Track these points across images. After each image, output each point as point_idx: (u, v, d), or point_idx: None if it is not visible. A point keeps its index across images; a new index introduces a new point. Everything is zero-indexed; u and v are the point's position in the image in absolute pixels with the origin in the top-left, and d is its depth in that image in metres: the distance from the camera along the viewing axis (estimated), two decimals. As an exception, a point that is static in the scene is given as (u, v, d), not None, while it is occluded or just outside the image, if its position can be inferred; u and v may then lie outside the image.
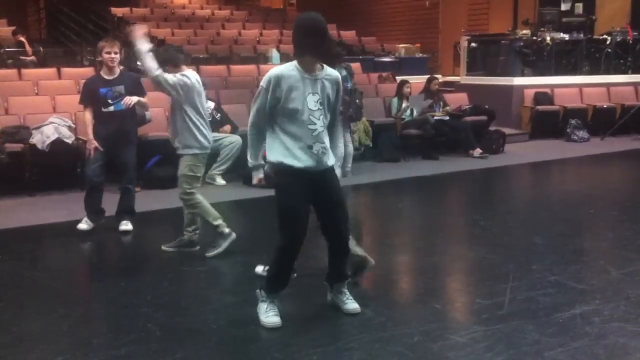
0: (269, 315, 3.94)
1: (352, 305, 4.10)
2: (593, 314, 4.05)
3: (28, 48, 13.11)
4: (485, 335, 3.79)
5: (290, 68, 3.81)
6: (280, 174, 3.82)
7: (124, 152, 6.02)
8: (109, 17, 16.82)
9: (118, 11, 16.78)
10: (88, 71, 11.24)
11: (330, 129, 3.99)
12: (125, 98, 5.81)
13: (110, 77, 5.94)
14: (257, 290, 4.05)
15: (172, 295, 4.57)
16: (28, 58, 12.82)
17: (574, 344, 3.64)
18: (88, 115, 5.97)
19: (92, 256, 5.81)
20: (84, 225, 6.03)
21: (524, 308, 4.16)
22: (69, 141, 7.65)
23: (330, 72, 3.91)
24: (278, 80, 3.76)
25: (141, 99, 5.94)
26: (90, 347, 3.72)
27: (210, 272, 4.95)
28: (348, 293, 4.16)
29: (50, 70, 10.81)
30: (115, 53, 5.92)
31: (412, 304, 4.51)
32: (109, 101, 5.88)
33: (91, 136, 5.93)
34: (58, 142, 7.51)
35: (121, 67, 6.10)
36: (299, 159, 3.81)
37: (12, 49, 13.01)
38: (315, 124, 3.82)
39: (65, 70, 10.86)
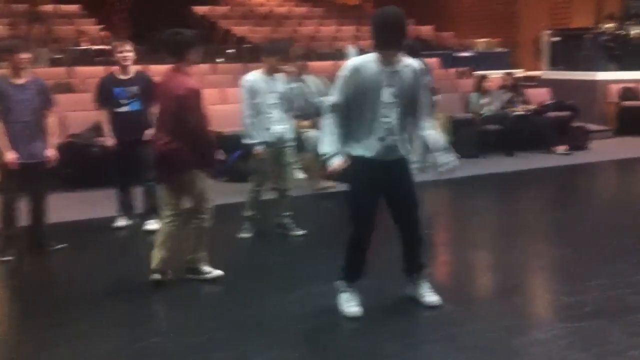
0: (350, 305, 4.02)
1: (431, 297, 4.13)
2: (681, 315, 3.95)
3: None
4: (567, 333, 3.77)
5: (369, 60, 3.85)
6: (351, 164, 3.87)
7: (142, 150, 5.84)
8: (190, 15, 17.29)
9: (199, 10, 17.24)
10: (168, 68, 11.62)
11: (414, 118, 3.98)
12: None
13: (124, 77, 5.91)
14: (336, 282, 4.13)
15: (252, 284, 4.69)
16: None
17: (660, 344, 3.57)
18: (105, 114, 5.99)
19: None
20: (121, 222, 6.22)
21: (609, 307, 4.09)
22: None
23: (410, 62, 3.92)
24: (357, 70, 3.82)
25: None
26: (182, 331, 3.90)
27: (291, 263, 5.06)
28: (427, 285, 4.18)
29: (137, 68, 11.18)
30: (128, 51, 5.88)
31: (493, 299, 4.50)
32: (123, 101, 5.87)
33: (108, 134, 5.99)
34: (145, 137, 7.80)
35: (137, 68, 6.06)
36: (370, 151, 3.87)
37: (98, 46, 13.45)
38: (388, 117, 3.85)
39: (151, 67, 11.22)
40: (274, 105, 5.50)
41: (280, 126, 5.54)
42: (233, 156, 8.11)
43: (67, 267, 5.32)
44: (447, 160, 4.03)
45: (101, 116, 6.08)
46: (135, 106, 5.91)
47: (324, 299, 4.23)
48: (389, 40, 3.80)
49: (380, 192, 4.00)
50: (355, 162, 3.87)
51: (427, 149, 4.07)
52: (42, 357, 3.70)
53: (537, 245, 5.73)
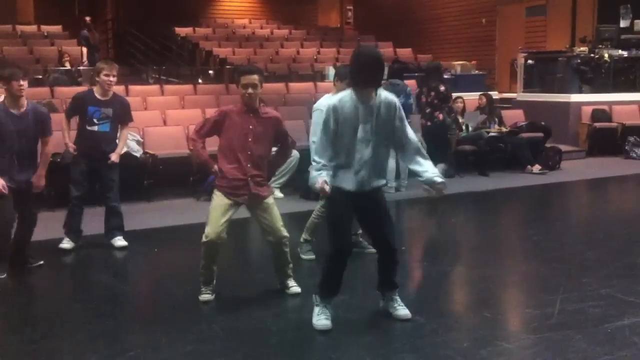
0: (320, 318, 4.16)
1: (403, 311, 4.29)
2: (642, 326, 4.13)
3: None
4: (533, 343, 3.93)
5: (345, 99, 4.03)
6: (331, 191, 4.04)
7: (105, 171, 6.05)
8: (173, 37, 17.47)
9: (182, 31, 17.43)
10: (154, 89, 11.79)
11: (390, 148, 4.23)
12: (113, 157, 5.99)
13: (103, 98, 5.98)
14: (313, 295, 4.28)
15: (234, 299, 4.81)
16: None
17: (620, 353, 3.74)
18: (67, 126, 6.08)
19: (159, 263, 6.12)
20: (66, 244, 6.06)
21: (573, 318, 4.26)
22: (137, 154, 8.09)
23: (386, 96, 4.09)
24: (335, 110, 4.01)
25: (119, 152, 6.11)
26: (160, 345, 4.00)
27: (271, 279, 5.17)
28: (399, 300, 4.35)
29: (119, 88, 11.29)
30: (114, 76, 5.98)
31: (463, 312, 4.66)
32: (95, 120, 5.95)
33: (69, 140, 6.04)
34: (127, 156, 7.90)
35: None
36: (346, 183, 4.08)
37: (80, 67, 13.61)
38: (362, 152, 4.04)
39: (133, 87, 11.37)
40: None
41: None
42: (211, 178, 8.25)
43: (46, 284, 5.41)
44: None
45: (64, 126, 6.12)
46: (104, 128, 6.00)
47: (302, 314, 4.37)
48: (367, 79, 3.98)
49: (357, 217, 4.26)
50: (333, 191, 4.04)
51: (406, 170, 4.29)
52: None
53: (508, 260, 5.92)
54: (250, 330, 4.21)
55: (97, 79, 6.09)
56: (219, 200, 4.61)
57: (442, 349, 3.87)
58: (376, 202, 4.22)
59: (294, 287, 4.83)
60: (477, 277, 5.30)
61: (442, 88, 8.19)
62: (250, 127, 4.56)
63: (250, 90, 4.50)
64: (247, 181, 4.57)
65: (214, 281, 4.74)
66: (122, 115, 6.15)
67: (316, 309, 4.22)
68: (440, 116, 8.12)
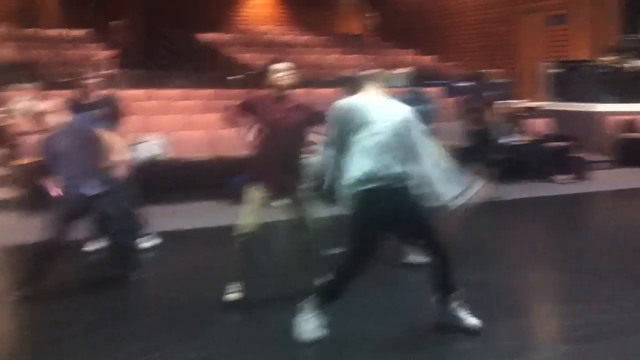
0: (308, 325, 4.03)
1: (471, 320, 4.14)
2: (674, 339, 4.04)
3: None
4: (563, 354, 3.90)
5: None
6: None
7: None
8: (194, 42, 17.56)
9: (203, 37, 17.51)
10: (177, 93, 11.85)
11: None
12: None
13: (85, 102, 5.99)
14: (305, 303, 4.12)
15: (245, 304, 4.73)
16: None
17: (652, 366, 3.67)
18: None
19: (175, 267, 6.09)
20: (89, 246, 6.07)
21: (604, 330, 4.19)
22: (162, 158, 8.09)
23: None
24: None
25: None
26: (172, 347, 4.02)
27: (284, 284, 5.14)
28: (464, 308, 4.20)
29: (141, 92, 11.39)
30: (88, 78, 6.04)
31: (492, 321, 4.56)
32: None
33: None
34: (151, 160, 7.92)
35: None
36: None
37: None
38: None
39: (156, 92, 11.43)
40: None
41: None
42: (237, 179, 8.22)
43: (63, 285, 5.36)
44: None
45: None
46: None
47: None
48: None
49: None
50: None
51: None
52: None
53: (534, 270, 5.83)
54: (262, 335, 4.19)
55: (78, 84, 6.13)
56: (254, 194, 4.62)
57: (472, 357, 3.82)
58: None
59: None
60: (507, 286, 5.23)
61: (489, 94, 8.51)
62: (285, 115, 4.60)
63: (282, 74, 4.58)
64: (283, 172, 4.58)
65: (244, 279, 4.70)
66: (112, 114, 6.08)
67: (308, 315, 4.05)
68: (489, 120, 8.46)
